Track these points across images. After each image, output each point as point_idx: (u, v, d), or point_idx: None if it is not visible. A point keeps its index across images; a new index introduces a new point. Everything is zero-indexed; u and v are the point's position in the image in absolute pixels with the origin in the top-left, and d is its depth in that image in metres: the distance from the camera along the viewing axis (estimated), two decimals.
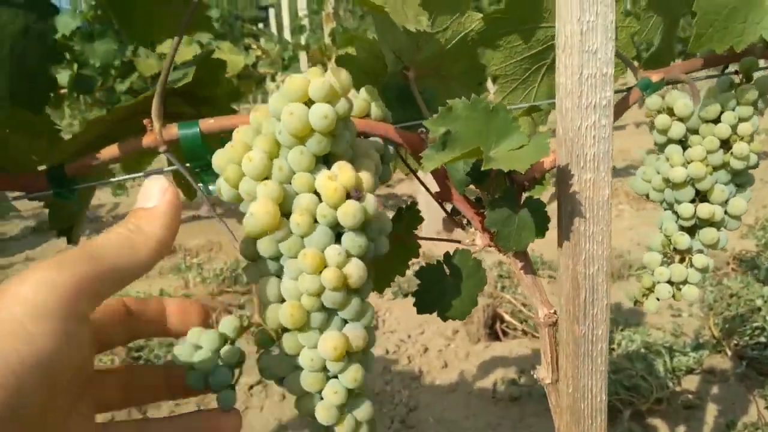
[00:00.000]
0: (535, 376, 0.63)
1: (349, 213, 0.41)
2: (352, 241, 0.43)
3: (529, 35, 0.72)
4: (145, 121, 0.51)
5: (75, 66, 2.71)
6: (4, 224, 4.31)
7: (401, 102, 0.67)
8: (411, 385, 1.99)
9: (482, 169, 0.47)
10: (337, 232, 0.43)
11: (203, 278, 2.84)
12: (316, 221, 0.43)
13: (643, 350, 1.94)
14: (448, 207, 0.63)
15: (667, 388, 1.73)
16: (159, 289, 2.77)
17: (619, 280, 2.66)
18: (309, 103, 0.41)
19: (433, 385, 1.99)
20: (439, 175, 0.58)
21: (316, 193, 0.43)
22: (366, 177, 0.44)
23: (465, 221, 0.62)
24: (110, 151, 0.51)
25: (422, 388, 1.98)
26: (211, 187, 0.54)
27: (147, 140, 0.51)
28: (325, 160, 0.44)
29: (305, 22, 4.82)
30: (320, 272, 0.42)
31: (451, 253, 0.59)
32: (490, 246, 0.61)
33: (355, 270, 0.42)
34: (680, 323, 2.21)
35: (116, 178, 0.54)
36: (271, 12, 6.92)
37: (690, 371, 1.89)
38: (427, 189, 0.66)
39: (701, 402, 1.76)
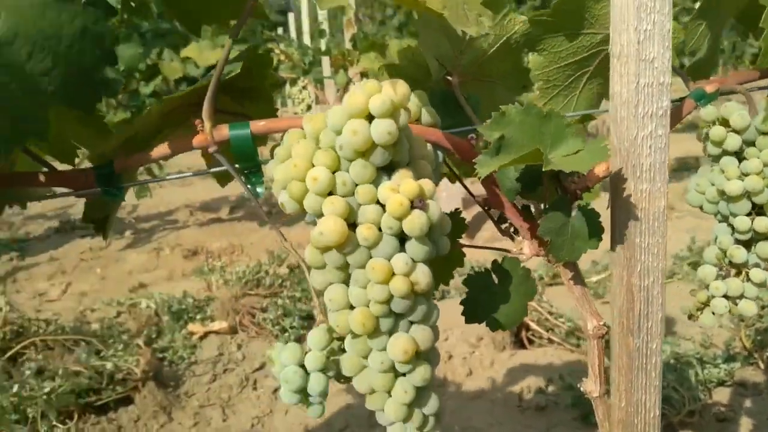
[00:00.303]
0: (581, 388, 0.61)
1: (415, 224, 0.42)
2: (417, 248, 0.43)
3: (574, 40, 0.71)
4: (195, 122, 0.50)
5: None
6: (27, 224, 4.37)
7: (446, 108, 0.66)
8: (436, 392, 1.97)
9: (543, 170, 0.46)
10: (401, 239, 0.43)
11: (226, 281, 2.85)
12: (379, 229, 0.43)
13: (672, 361, 1.91)
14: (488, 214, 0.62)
15: (698, 401, 1.70)
16: (182, 291, 2.78)
17: None
18: (370, 117, 0.41)
19: (458, 393, 1.98)
20: (489, 182, 0.57)
21: (378, 202, 0.43)
22: (427, 185, 0.44)
23: (512, 229, 0.61)
24: (161, 149, 0.51)
25: (447, 395, 1.96)
26: (258, 189, 0.54)
27: (198, 140, 0.50)
28: (386, 168, 0.44)
29: (325, 26, 4.84)
30: (388, 281, 0.42)
31: (500, 261, 0.58)
32: (538, 255, 0.60)
33: (423, 276, 0.43)
34: (710, 334, 2.17)
35: (167, 177, 0.53)
36: (290, 16, 6.95)
37: (721, 383, 1.85)
38: (473, 195, 0.65)
39: (734, 415, 1.72)
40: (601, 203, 0.59)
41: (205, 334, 2.40)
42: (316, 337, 0.47)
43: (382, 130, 0.41)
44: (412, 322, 0.45)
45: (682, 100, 0.61)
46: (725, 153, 0.58)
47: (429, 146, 0.53)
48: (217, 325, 2.41)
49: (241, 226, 4.04)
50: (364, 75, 3.22)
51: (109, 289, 3.02)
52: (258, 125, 0.51)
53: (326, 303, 0.46)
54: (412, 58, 0.66)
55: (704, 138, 0.60)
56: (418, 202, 0.42)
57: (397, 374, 0.45)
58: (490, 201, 0.59)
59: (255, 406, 1.98)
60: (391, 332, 0.44)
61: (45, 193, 0.58)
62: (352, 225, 0.43)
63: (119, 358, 2.09)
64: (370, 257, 0.44)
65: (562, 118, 0.50)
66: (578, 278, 0.59)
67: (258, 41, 5.10)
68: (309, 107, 2.96)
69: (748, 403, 1.79)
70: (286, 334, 2.35)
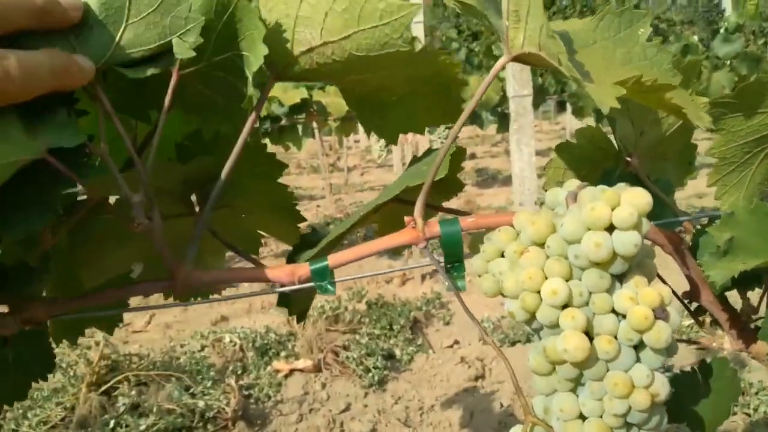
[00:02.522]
0: None
1: (661, 337, 0.40)
2: (654, 357, 0.42)
3: (754, 119, 0.69)
4: (406, 219, 0.50)
5: None
6: None
7: None
8: None
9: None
10: (635, 346, 0.42)
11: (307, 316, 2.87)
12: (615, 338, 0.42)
13: None
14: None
15: None
16: (264, 325, 2.82)
17: None
18: (611, 228, 0.40)
19: None
20: (696, 274, 0.55)
21: (613, 310, 0.42)
22: (665, 291, 0.42)
23: (710, 321, 0.59)
24: (370, 247, 0.51)
25: None
26: (459, 283, 0.53)
27: (409, 237, 0.50)
28: (619, 275, 0.43)
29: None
30: (629, 395, 0.41)
31: (708, 361, 0.56)
32: (741, 350, 0.57)
33: (662, 387, 0.42)
34: None
35: (368, 274, 0.53)
36: None
37: None
38: (666, 282, 0.62)
39: None
40: None
41: (290, 372, 2.42)
42: None
43: (628, 242, 0.40)
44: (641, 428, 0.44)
45: None
46: None
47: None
48: (301, 363, 2.43)
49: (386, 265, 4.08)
50: None
51: (192, 321, 3.08)
52: (467, 221, 0.50)
53: (554, 411, 0.45)
54: (590, 138, 0.65)
55: None
56: (660, 311, 0.41)
57: None
58: (690, 293, 0.56)
59: None
60: None
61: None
62: (585, 334, 0.42)
63: (210, 396, 2.13)
64: (607, 369, 0.42)
65: None
66: None
67: None
68: (389, 151, 2.98)
69: None
70: (370, 375, 2.34)
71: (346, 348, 2.55)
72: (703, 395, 0.55)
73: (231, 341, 2.67)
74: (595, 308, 0.42)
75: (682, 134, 0.69)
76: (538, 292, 0.42)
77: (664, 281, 0.62)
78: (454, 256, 0.52)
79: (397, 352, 2.56)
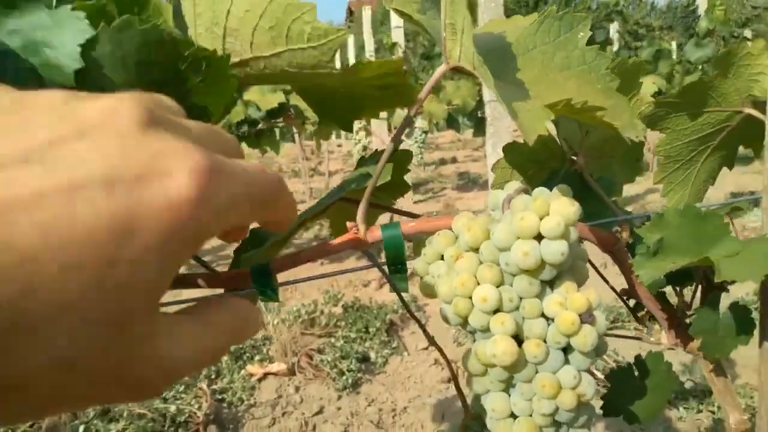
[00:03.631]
0: None
1: (587, 341, 0.41)
2: (582, 359, 0.43)
3: (698, 118, 0.70)
4: (348, 225, 0.51)
5: None
6: None
7: (571, 188, 0.66)
8: None
9: (716, 280, 0.45)
10: (564, 348, 0.43)
11: (282, 320, 2.87)
12: (544, 341, 0.43)
13: None
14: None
15: None
16: None
17: None
18: (539, 236, 0.41)
19: None
20: (631, 273, 0.56)
21: (542, 314, 0.43)
22: (592, 296, 0.43)
23: (648, 317, 0.60)
24: (315, 252, 0.52)
25: None
26: (402, 284, 0.54)
27: (351, 242, 0.51)
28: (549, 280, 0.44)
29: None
30: (557, 396, 0.42)
31: (643, 356, 0.57)
32: (676, 345, 0.59)
33: (589, 388, 0.43)
34: None
35: (318, 276, 0.54)
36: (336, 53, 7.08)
37: None
38: (605, 279, 0.64)
39: None
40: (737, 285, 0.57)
41: (264, 376, 2.41)
42: None
43: (555, 251, 0.41)
44: (569, 427, 0.45)
45: None
46: None
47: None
48: (275, 367, 2.42)
49: (331, 269, 4.08)
50: (417, 115, 3.24)
51: None
52: (408, 226, 0.51)
53: (488, 411, 0.46)
54: (538, 138, 0.67)
55: None
56: (587, 316, 0.42)
57: None
58: (628, 291, 0.58)
59: None
60: None
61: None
62: (515, 337, 0.43)
63: (182, 401, 2.11)
64: (537, 371, 0.44)
65: (720, 218, 0.49)
66: (720, 370, 0.57)
67: None
68: (365, 148, 2.99)
69: None
70: (344, 378, 2.34)
71: (320, 351, 2.55)
72: (638, 389, 0.56)
73: None
74: (525, 313, 0.43)
75: None
76: (471, 297, 0.43)
77: (605, 280, 0.63)
78: (396, 260, 0.52)
79: (372, 354, 2.56)
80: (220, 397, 2.29)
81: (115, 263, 0.19)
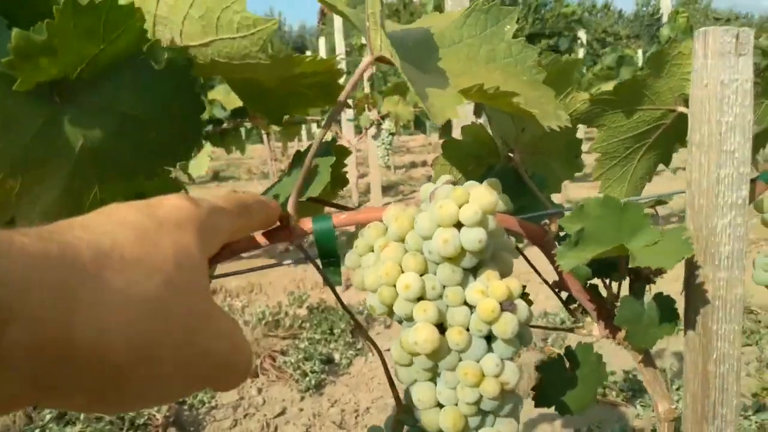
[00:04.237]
0: None
1: (507, 328, 0.42)
2: (505, 347, 0.43)
3: (633, 116, 0.72)
4: (279, 217, 0.51)
5: None
6: None
7: (507, 185, 0.66)
8: None
9: (630, 266, 0.46)
10: (488, 337, 0.44)
11: (245, 321, 2.84)
12: (467, 329, 0.43)
13: None
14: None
15: None
16: None
17: None
18: (459, 225, 0.42)
19: None
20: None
21: (465, 302, 0.43)
22: (514, 284, 0.44)
23: (581, 310, 0.61)
24: (247, 244, 0.51)
25: None
26: (336, 278, 0.54)
27: (282, 235, 0.51)
28: (472, 268, 0.44)
29: (342, 65, 4.92)
30: (480, 384, 0.42)
31: (573, 348, 0.58)
32: (607, 337, 0.60)
33: (512, 376, 0.43)
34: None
35: (249, 269, 0.54)
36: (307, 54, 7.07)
37: None
38: (538, 273, 0.65)
39: None
40: (668, 283, 0.59)
41: None
42: None
43: (473, 238, 0.41)
44: (496, 415, 0.45)
45: (753, 181, 0.61)
46: None
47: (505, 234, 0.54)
48: None
49: (260, 263, 4.05)
50: (384, 117, 3.25)
51: None
52: (340, 218, 0.51)
53: (414, 401, 0.46)
54: (475, 135, 0.67)
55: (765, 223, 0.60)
56: (508, 304, 0.42)
57: None
58: (559, 283, 0.59)
59: None
60: (478, 428, 0.45)
61: None
62: (440, 325, 0.44)
63: None
64: (460, 359, 0.44)
65: (640, 209, 0.50)
66: (649, 361, 0.59)
67: None
68: None
69: None
70: (307, 379, 2.33)
71: (284, 353, 2.54)
72: (569, 381, 0.57)
73: None
74: (448, 301, 0.44)
75: (566, 130, 0.71)
76: (395, 285, 0.44)
77: (534, 269, 0.64)
78: (328, 252, 0.53)
79: (337, 356, 2.56)
80: (180, 399, 2.26)
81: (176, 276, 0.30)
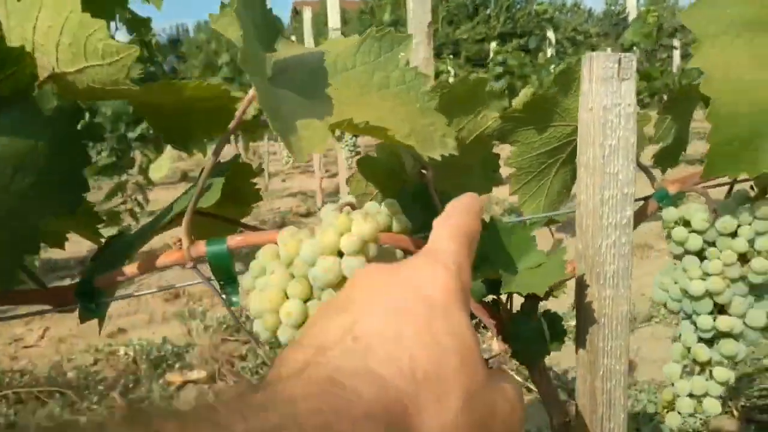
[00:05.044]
0: None
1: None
2: None
3: (545, 132, 0.74)
4: (173, 240, 0.51)
5: (87, 115, 2.74)
6: None
7: (418, 202, 0.68)
8: None
9: (501, 291, 0.48)
10: None
11: (206, 326, 2.83)
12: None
13: (651, 410, 1.92)
14: None
15: None
16: (162, 337, 2.75)
17: None
18: (341, 253, 0.43)
19: None
20: None
21: None
22: None
23: (482, 326, 0.63)
24: (143, 266, 0.52)
25: None
26: (234, 299, 0.55)
27: (175, 257, 0.51)
28: None
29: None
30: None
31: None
32: (506, 353, 0.61)
33: None
34: None
35: (134, 293, 0.54)
36: None
37: None
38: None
39: None
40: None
41: (183, 384, 2.37)
42: None
43: (354, 266, 0.42)
44: None
45: (646, 199, 0.63)
46: (687, 252, 0.60)
47: (400, 253, 0.55)
48: (195, 375, 2.39)
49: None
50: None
51: (88, 335, 2.96)
52: (235, 240, 0.52)
53: None
54: (390, 152, 0.68)
55: (667, 237, 0.62)
56: None
57: None
58: None
59: None
60: None
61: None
62: None
63: (94, 412, 2.06)
64: None
65: (527, 231, 0.52)
66: (543, 375, 0.60)
67: (245, 81, 5.13)
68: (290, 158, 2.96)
69: None
70: None
71: (243, 358, 2.53)
72: None
73: (125, 354, 2.60)
74: None
75: (480, 145, 0.72)
76: (278, 312, 0.44)
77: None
78: (223, 274, 0.53)
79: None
80: (137, 407, 2.24)
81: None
